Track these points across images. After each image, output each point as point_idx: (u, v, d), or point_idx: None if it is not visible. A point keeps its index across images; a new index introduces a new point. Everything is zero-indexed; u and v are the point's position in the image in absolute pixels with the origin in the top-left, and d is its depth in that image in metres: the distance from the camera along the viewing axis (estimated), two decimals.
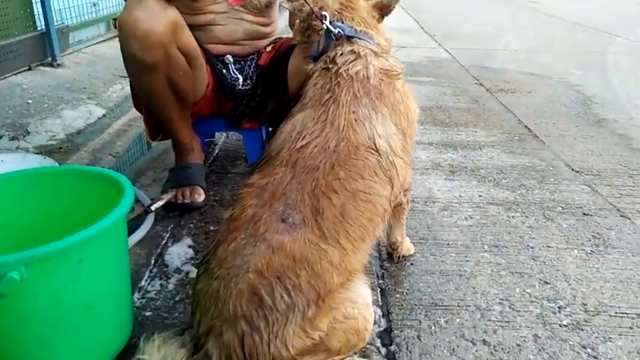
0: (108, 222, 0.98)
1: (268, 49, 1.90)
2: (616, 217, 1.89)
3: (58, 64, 3.34)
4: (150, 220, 1.67)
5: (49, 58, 3.34)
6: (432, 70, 4.18)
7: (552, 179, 2.19)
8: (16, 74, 3.01)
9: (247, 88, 1.84)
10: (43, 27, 3.29)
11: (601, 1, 10.30)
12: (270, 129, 2.02)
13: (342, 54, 1.28)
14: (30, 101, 2.73)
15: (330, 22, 1.33)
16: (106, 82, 3.25)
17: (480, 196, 2.01)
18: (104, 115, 2.74)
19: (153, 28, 1.49)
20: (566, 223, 1.83)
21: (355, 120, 1.16)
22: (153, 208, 1.66)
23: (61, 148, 2.27)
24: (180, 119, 1.77)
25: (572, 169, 2.30)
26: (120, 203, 1.04)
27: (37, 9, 3.26)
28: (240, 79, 1.83)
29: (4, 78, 2.90)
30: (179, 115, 1.76)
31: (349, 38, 1.31)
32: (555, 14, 7.90)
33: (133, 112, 2.43)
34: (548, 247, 1.67)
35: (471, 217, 1.84)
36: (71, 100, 2.85)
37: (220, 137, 2.50)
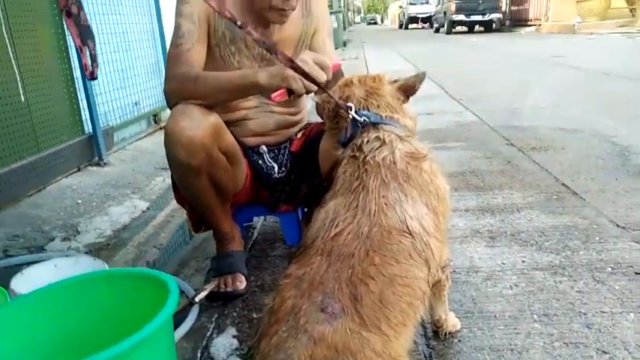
0: (156, 324, 1.02)
1: (299, 135, 2.01)
2: None
3: (105, 163, 3.57)
4: (194, 311, 1.70)
5: (96, 158, 3.58)
6: (461, 134, 4.21)
7: (597, 238, 2.12)
8: (66, 176, 3.23)
9: (282, 175, 1.93)
10: (91, 131, 3.56)
11: (627, 49, 10.31)
12: (306, 209, 2.09)
13: (368, 141, 1.34)
14: (79, 201, 2.91)
15: (356, 111, 1.41)
16: (148, 176, 3.44)
17: (523, 261, 1.96)
18: (148, 209, 2.88)
19: (197, 134, 1.60)
20: (618, 284, 1.75)
21: (385, 204, 1.19)
22: (197, 299, 1.70)
23: (108, 244, 2.38)
24: (222, 212, 1.86)
25: (618, 226, 2.23)
26: (166, 304, 1.08)
27: (85, 114, 3.54)
28: (276, 168, 1.93)
29: (56, 181, 3.12)
30: (221, 210, 1.85)
31: (375, 125, 1.38)
32: (578, 66, 7.93)
33: (174, 204, 2.55)
34: (601, 312, 1.60)
35: (517, 285, 1.79)
36: (117, 197, 3.02)
37: (258, 221, 2.57)
